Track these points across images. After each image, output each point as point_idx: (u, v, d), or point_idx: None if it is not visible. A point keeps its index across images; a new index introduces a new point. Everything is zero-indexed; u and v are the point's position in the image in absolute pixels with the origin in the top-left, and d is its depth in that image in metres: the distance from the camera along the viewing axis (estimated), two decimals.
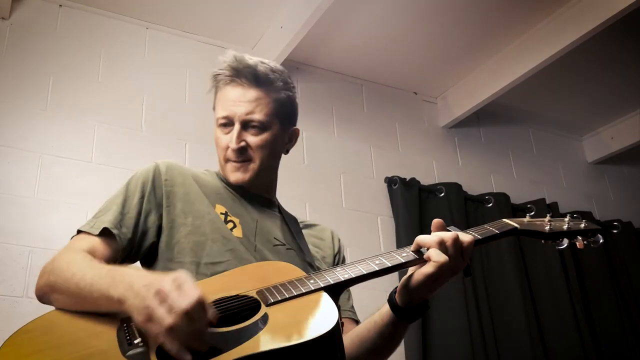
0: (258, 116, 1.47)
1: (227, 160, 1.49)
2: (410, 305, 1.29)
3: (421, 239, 1.27)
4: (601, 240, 1.39)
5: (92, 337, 1.11)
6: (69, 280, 1.20)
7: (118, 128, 2.92)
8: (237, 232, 1.42)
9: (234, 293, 1.19)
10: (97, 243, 1.31)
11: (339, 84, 3.62)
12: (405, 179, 3.43)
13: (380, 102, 3.71)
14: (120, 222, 1.34)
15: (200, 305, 1.02)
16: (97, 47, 3.06)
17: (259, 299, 1.17)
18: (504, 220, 1.41)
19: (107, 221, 1.33)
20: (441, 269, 1.21)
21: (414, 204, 3.36)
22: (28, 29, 2.95)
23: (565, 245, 1.39)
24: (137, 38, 3.19)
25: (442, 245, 1.23)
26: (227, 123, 1.48)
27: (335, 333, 1.07)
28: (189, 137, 3.06)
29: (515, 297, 3.30)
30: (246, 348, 1.03)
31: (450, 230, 1.29)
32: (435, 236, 1.25)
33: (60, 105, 2.86)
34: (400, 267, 1.27)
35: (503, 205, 3.57)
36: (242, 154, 1.48)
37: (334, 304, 1.14)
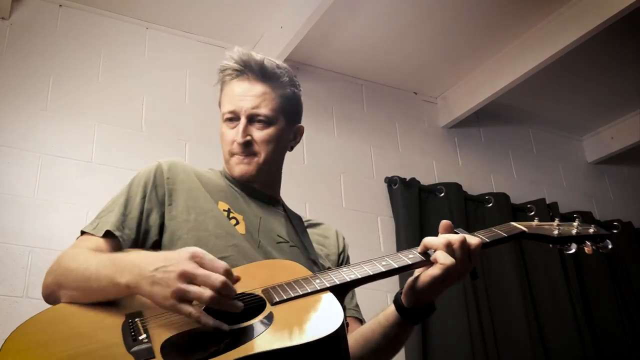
0: (264, 110, 1.48)
1: (232, 154, 1.50)
2: (416, 307, 1.29)
3: (428, 240, 1.27)
4: (610, 246, 1.39)
5: (98, 331, 1.11)
6: (75, 271, 1.21)
7: (118, 128, 2.92)
8: (240, 229, 1.42)
9: (239, 291, 1.19)
10: (100, 244, 1.32)
11: (339, 84, 3.62)
12: (405, 179, 3.43)
13: (380, 102, 3.71)
14: (122, 223, 1.35)
15: (229, 273, 1.10)
16: (97, 47, 3.06)
17: (264, 297, 1.17)
18: (512, 223, 1.40)
19: (109, 223, 1.34)
20: (448, 271, 1.21)
21: (414, 204, 3.36)
22: (28, 29, 2.95)
23: (574, 250, 1.38)
24: (137, 38, 3.19)
25: (449, 248, 1.23)
26: (233, 118, 1.49)
27: (341, 334, 1.07)
28: (189, 137, 3.06)
29: (515, 297, 3.30)
30: (251, 346, 1.03)
31: (457, 233, 1.29)
32: (442, 238, 1.25)
33: (60, 105, 2.86)
34: (407, 269, 1.27)
35: (503, 205, 3.57)
36: (248, 148, 1.48)
37: (339, 304, 1.14)
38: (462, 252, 1.24)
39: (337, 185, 3.34)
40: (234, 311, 1.10)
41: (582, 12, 3.06)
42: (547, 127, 4.21)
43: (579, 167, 4.24)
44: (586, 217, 3.81)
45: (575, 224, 1.41)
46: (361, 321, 1.52)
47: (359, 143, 3.52)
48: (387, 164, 3.53)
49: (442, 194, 3.46)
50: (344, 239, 1.64)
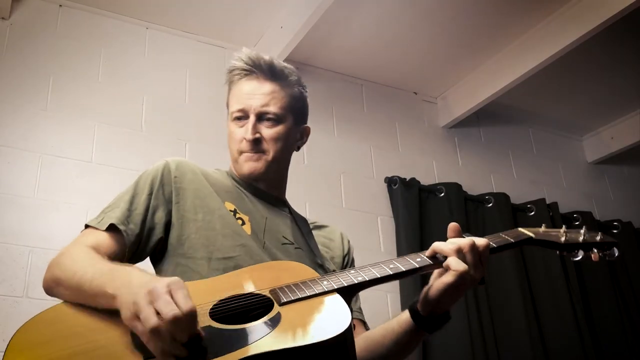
0: (273, 109, 1.49)
1: (240, 152, 1.50)
2: (432, 315, 1.30)
3: (438, 246, 1.27)
4: (616, 254, 1.39)
5: (103, 329, 1.11)
6: (72, 275, 1.21)
7: (118, 128, 2.92)
8: (246, 229, 1.42)
9: (247, 291, 1.19)
10: (103, 238, 1.32)
11: (339, 84, 3.62)
12: (405, 179, 3.43)
13: (380, 102, 3.71)
14: (127, 218, 1.35)
15: (189, 316, 0.99)
16: (97, 47, 3.06)
17: (272, 297, 1.17)
18: (519, 229, 1.41)
19: (114, 217, 1.33)
20: (461, 277, 1.22)
21: (414, 204, 3.36)
22: (28, 29, 2.95)
23: (581, 257, 1.39)
24: (137, 38, 3.19)
25: (460, 254, 1.24)
26: (242, 116, 1.50)
27: (348, 335, 1.08)
28: (189, 137, 3.06)
29: (515, 297, 3.30)
30: (259, 346, 1.04)
31: (464, 237, 1.29)
32: (452, 244, 1.25)
33: (60, 105, 2.85)
34: (414, 272, 1.27)
35: (503, 205, 3.57)
36: (257, 145, 1.49)
37: (347, 306, 1.14)
38: (473, 257, 1.24)
39: (337, 185, 3.34)
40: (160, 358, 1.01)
41: (582, 12, 3.06)
42: (547, 127, 4.21)
43: (579, 167, 4.24)
44: (586, 217, 3.81)
45: (582, 231, 1.42)
46: (365, 323, 1.53)
47: (359, 143, 3.52)
48: (387, 164, 3.53)
49: (442, 194, 3.46)
50: (349, 241, 1.64)
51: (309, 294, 1.16)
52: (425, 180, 3.52)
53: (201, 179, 1.46)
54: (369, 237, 3.28)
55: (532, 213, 3.67)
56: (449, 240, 1.27)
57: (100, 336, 1.10)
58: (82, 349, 1.06)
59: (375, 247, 3.26)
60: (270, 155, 1.50)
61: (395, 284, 3.09)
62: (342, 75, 3.64)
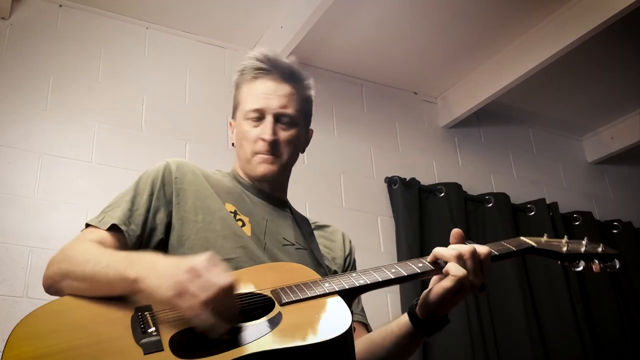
0: (290, 111, 1.49)
1: (255, 153, 1.49)
2: (430, 319, 1.30)
3: (439, 251, 1.27)
4: (617, 266, 1.40)
5: (105, 323, 1.12)
6: (83, 264, 1.20)
7: (118, 128, 2.92)
8: (247, 230, 1.42)
9: (248, 291, 1.19)
10: (105, 237, 1.32)
11: (339, 84, 3.62)
12: (405, 179, 3.43)
13: (380, 102, 3.71)
14: (129, 218, 1.34)
15: (233, 287, 1.07)
16: (97, 47, 3.06)
17: (273, 298, 1.17)
18: (521, 238, 1.42)
19: (116, 217, 1.33)
20: (460, 283, 1.22)
21: (414, 204, 3.36)
22: (28, 29, 2.95)
23: (582, 267, 1.40)
24: (137, 38, 3.19)
25: (460, 260, 1.24)
26: (258, 116, 1.49)
27: (348, 336, 1.08)
28: (189, 137, 3.06)
29: (515, 297, 3.31)
30: (259, 344, 1.04)
31: (466, 243, 1.29)
32: (453, 250, 1.26)
33: (60, 105, 2.86)
34: (416, 277, 1.28)
35: (503, 205, 3.57)
36: (273, 148, 1.48)
37: (347, 307, 1.15)
38: (473, 263, 1.25)
39: (337, 185, 3.34)
40: (212, 334, 1.06)
41: (582, 12, 3.06)
42: (547, 127, 4.21)
43: (579, 167, 4.24)
44: (586, 217, 3.82)
45: (584, 242, 1.42)
46: (366, 326, 1.52)
47: (359, 143, 3.52)
48: (387, 164, 3.53)
49: (442, 194, 3.46)
50: (350, 242, 1.64)
51: (310, 295, 1.17)
52: (425, 180, 3.52)
53: (202, 180, 1.46)
54: (369, 237, 3.28)
55: (532, 213, 3.67)
56: (450, 246, 1.28)
57: (103, 330, 1.10)
58: (84, 342, 1.07)
59: (375, 247, 3.26)
60: (284, 159, 1.50)
61: (394, 288, 3.09)
62: (342, 75, 3.64)
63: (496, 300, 3.30)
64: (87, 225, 1.36)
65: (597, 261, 1.40)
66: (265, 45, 3.32)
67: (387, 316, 2.98)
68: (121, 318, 1.12)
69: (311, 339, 1.05)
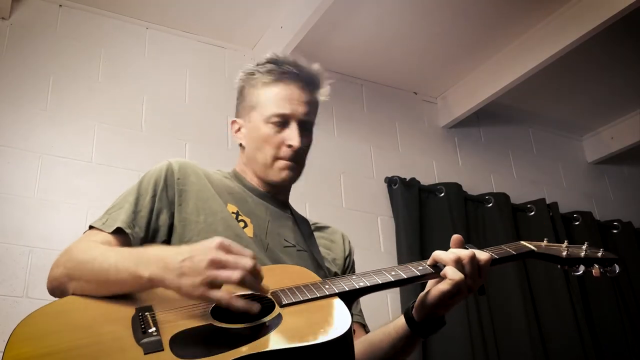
0: (312, 118, 1.51)
1: (278, 158, 1.48)
2: (426, 321, 1.31)
3: (438, 255, 1.28)
4: (617, 270, 1.41)
5: (106, 323, 1.12)
6: (91, 263, 1.20)
7: (118, 128, 2.92)
8: (249, 232, 1.42)
9: (248, 292, 1.19)
10: (109, 240, 1.31)
11: (339, 84, 3.62)
12: (405, 179, 3.43)
13: (380, 102, 3.71)
14: (133, 221, 1.34)
15: (255, 261, 1.11)
16: (97, 47, 3.06)
17: (273, 299, 1.18)
18: (522, 242, 1.42)
19: (120, 220, 1.33)
20: (457, 286, 1.23)
21: (414, 204, 3.36)
22: (28, 29, 2.95)
23: (581, 272, 1.41)
24: (137, 38, 3.19)
25: (458, 264, 1.25)
26: (283, 121, 1.48)
27: (348, 338, 1.08)
28: (189, 137, 3.06)
29: (515, 297, 3.31)
30: (259, 345, 1.05)
31: (467, 248, 1.30)
32: (452, 254, 1.26)
33: (60, 105, 2.86)
34: (416, 280, 1.29)
35: (503, 205, 3.57)
36: (298, 155, 1.48)
37: (347, 309, 1.15)
38: (471, 268, 1.25)
39: (337, 185, 3.34)
40: (261, 293, 1.13)
41: (582, 12, 3.06)
42: (547, 127, 4.21)
43: (579, 167, 4.24)
44: (586, 217, 3.81)
45: (584, 246, 1.43)
46: (365, 327, 1.53)
47: (359, 143, 3.52)
48: (387, 164, 3.53)
49: (442, 194, 3.46)
50: (349, 242, 1.64)
51: (310, 297, 1.17)
52: (425, 180, 3.52)
53: (204, 181, 1.45)
54: (369, 237, 3.28)
55: (532, 213, 3.67)
56: (450, 250, 1.29)
57: (103, 330, 1.10)
58: (85, 342, 1.07)
59: (375, 247, 3.26)
60: (302, 166, 1.51)
61: (395, 290, 3.08)
62: (342, 75, 3.64)
63: (496, 300, 3.30)
64: (91, 227, 1.36)
65: (597, 266, 1.41)
66: (265, 45, 3.32)
67: (387, 316, 2.98)
68: (121, 318, 1.12)
69: (311, 340, 1.05)
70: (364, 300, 1.58)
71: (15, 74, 2.83)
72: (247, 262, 1.10)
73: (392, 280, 1.26)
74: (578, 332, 3.33)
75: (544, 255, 1.41)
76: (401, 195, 3.35)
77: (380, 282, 1.25)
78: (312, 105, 1.51)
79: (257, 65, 1.54)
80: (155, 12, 3.19)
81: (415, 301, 1.33)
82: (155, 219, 1.38)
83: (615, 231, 3.91)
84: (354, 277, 1.26)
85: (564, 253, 1.41)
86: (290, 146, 1.46)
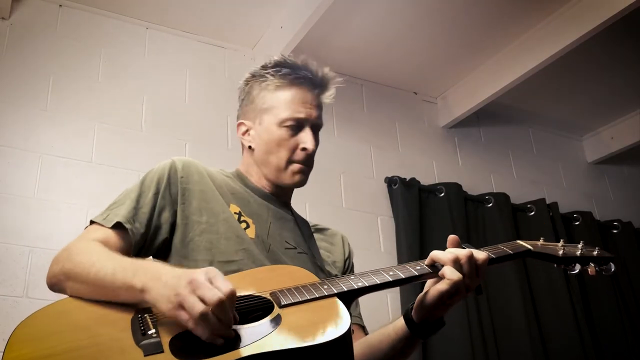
0: (322, 121, 1.53)
1: (292, 161, 1.49)
2: (425, 322, 1.31)
3: (436, 254, 1.29)
4: (612, 269, 1.42)
5: (105, 324, 1.12)
6: (88, 268, 1.20)
7: (118, 128, 2.92)
8: (250, 233, 1.42)
9: (247, 293, 1.19)
10: (110, 235, 1.31)
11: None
12: (405, 179, 3.43)
13: (380, 102, 3.71)
14: (133, 217, 1.34)
15: (232, 297, 1.06)
16: (97, 47, 3.06)
17: (272, 300, 1.18)
18: (518, 241, 1.43)
19: (120, 215, 1.33)
20: (455, 286, 1.23)
21: (414, 204, 3.36)
22: (28, 29, 2.95)
23: (577, 270, 1.42)
24: (137, 38, 3.19)
25: (456, 263, 1.25)
26: (297, 125, 1.48)
27: (347, 338, 1.09)
28: (189, 137, 3.06)
29: (515, 298, 3.30)
30: (259, 346, 1.05)
31: (464, 248, 1.31)
32: (450, 253, 1.27)
33: (60, 105, 2.86)
34: (414, 280, 1.29)
35: (503, 205, 3.57)
36: (311, 158, 1.50)
37: (346, 310, 1.15)
38: (469, 267, 1.26)
39: (337, 185, 3.34)
40: (213, 342, 1.06)
41: (582, 12, 3.06)
42: (547, 127, 4.21)
43: (579, 167, 4.24)
44: (586, 217, 3.81)
45: (579, 245, 1.44)
46: (363, 328, 1.53)
47: (359, 143, 3.52)
48: (387, 164, 3.53)
49: (442, 194, 3.46)
50: (349, 244, 1.65)
51: (309, 298, 1.18)
52: (425, 180, 3.52)
53: (207, 181, 1.45)
54: (369, 237, 3.28)
55: (532, 213, 3.67)
56: (448, 250, 1.29)
57: (103, 331, 1.10)
58: (85, 343, 1.07)
59: (375, 247, 3.26)
60: (311, 169, 1.53)
61: (394, 291, 3.08)
62: (342, 75, 3.61)
63: (496, 300, 3.30)
64: (92, 222, 1.36)
65: (592, 264, 1.42)
66: (265, 45, 3.32)
67: (387, 316, 2.98)
68: (121, 319, 1.12)
69: (310, 341, 1.05)
70: (364, 300, 1.58)
71: (15, 74, 2.83)
72: (215, 295, 1.04)
73: (390, 280, 1.26)
74: (578, 332, 3.33)
75: (540, 254, 1.42)
76: (401, 195, 3.35)
77: (379, 282, 1.25)
78: (321, 108, 1.53)
79: (267, 67, 1.53)
80: (155, 12, 3.19)
81: (414, 302, 1.33)
82: (157, 216, 1.37)
83: (615, 231, 3.91)
84: (352, 277, 1.26)
85: (560, 252, 1.42)
86: (304, 149, 1.48)
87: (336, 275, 1.52)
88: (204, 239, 1.37)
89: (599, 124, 4.17)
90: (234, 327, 1.10)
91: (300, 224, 1.57)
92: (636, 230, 3.97)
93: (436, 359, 3.03)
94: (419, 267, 1.29)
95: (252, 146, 1.53)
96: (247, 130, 1.55)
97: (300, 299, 1.17)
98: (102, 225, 1.33)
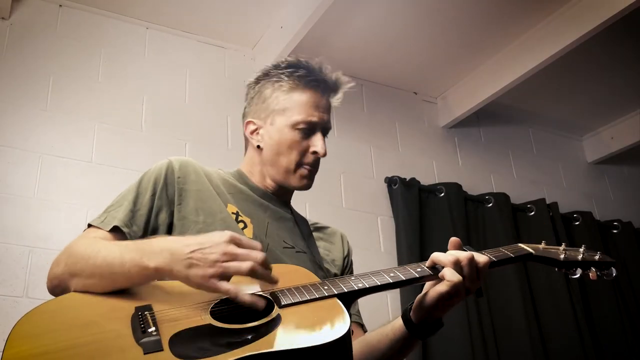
0: (330, 125, 1.54)
1: (301, 164, 1.50)
2: (423, 323, 1.31)
3: (437, 256, 1.29)
4: (614, 274, 1.42)
5: (106, 321, 1.12)
6: (93, 257, 1.20)
7: (118, 128, 2.92)
8: (248, 232, 1.42)
9: (248, 292, 1.19)
10: (107, 238, 1.31)
11: None
12: (405, 179, 3.43)
13: (380, 102, 3.71)
14: (131, 219, 1.34)
15: (265, 253, 1.14)
16: (97, 47, 3.06)
17: (272, 300, 1.18)
18: (520, 244, 1.43)
19: (118, 218, 1.33)
20: (455, 288, 1.23)
21: (414, 204, 3.36)
22: (28, 29, 2.95)
23: (578, 275, 1.42)
24: (137, 38, 3.19)
25: (457, 265, 1.25)
26: (309, 128, 1.49)
27: (347, 339, 1.09)
28: (188, 137, 3.06)
29: (515, 298, 3.31)
30: (258, 346, 1.05)
31: (465, 250, 1.30)
32: (450, 255, 1.27)
33: (60, 105, 2.86)
34: (414, 282, 1.29)
35: (503, 205, 3.57)
36: (318, 161, 1.52)
37: (346, 311, 1.15)
38: (469, 270, 1.26)
39: (337, 185, 3.34)
40: (271, 282, 1.15)
41: (582, 12, 3.06)
42: (547, 127, 4.21)
43: (579, 167, 4.24)
44: (586, 217, 3.81)
45: (581, 249, 1.44)
46: (362, 326, 1.53)
47: (359, 143, 3.52)
48: (387, 164, 3.53)
49: (442, 194, 3.46)
50: (348, 242, 1.65)
51: (309, 298, 1.18)
52: (425, 180, 3.52)
53: (204, 180, 1.45)
54: (369, 237, 3.28)
55: (532, 213, 3.67)
56: (449, 252, 1.29)
57: (102, 328, 1.10)
58: (84, 340, 1.07)
59: (375, 247, 3.26)
60: (317, 171, 1.53)
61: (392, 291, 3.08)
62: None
63: (496, 300, 3.30)
64: (89, 226, 1.36)
65: (594, 269, 1.42)
66: (265, 45, 3.32)
67: (387, 316, 2.98)
68: (121, 317, 1.12)
69: (309, 342, 1.05)
70: (364, 300, 1.58)
71: (15, 74, 2.83)
72: (258, 255, 1.12)
73: (391, 282, 1.26)
74: (578, 332, 3.33)
75: (542, 258, 1.42)
76: (401, 195, 3.35)
77: (379, 284, 1.25)
78: (330, 112, 1.54)
79: (280, 67, 1.53)
80: (155, 12, 3.19)
81: (413, 303, 1.33)
82: (154, 217, 1.37)
83: (615, 231, 3.91)
84: (352, 278, 1.26)
85: (562, 256, 1.41)
86: (315, 153, 1.48)
87: (335, 273, 1.52)
88: None
89: (599, 124, 4.17)
90: (234, 327, 1.10)
91: (300, 223, 1.57)
92: (636, 230, 3.97)
93: (436, 358, 3.03)
94: (419, 269, 1.29)
95: (261, 145, 1.53)
96: (256, 129, 1.54)
97: (301, 299, 1.17)
98: (100, 228, 1.33)
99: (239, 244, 1.14)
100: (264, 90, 1.53)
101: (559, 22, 3.18)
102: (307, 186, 1.51)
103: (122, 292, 1.19)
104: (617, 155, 4.16)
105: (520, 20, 3.26)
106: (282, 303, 1.16)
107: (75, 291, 1.21)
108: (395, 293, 3.11)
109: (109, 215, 1.35)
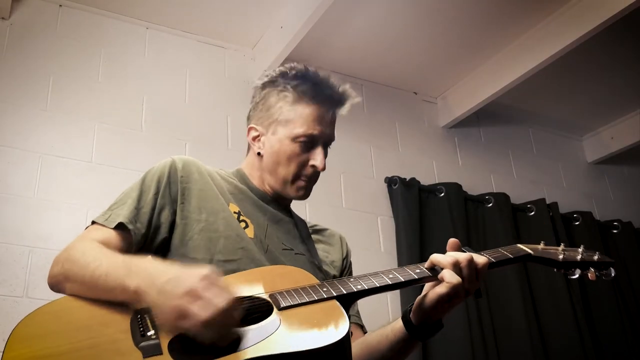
0: (334, 137, 1.53)
1: (299, 176, 1.49)
2: (423, 324, 1.31)
3: (436, 258, 1.28)
4: (613, 274, 1.42)
5: (104, 325, 1.12)
6: (84, 268, 1.20)
7: (118, 128, 2.92)
8: (249, 232, 1.42)
9: (246, 294, 1.19)
10: (111, 235, 1.31)
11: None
12: (405, 179, 3.43)
13: (380, 102, 3.71)
14: (135, 217, 1.34)
15: (234, 303, 1.06)
16: (97, 47, 3.06)
17: (271, 302, 1.18)
18: (519, 245, 1.43)
19: (122, 215, 1.33)
20: (454, 289, 1.23)
21: (414, 204, 3.36)
22: (28, 29, 2.95)
23: (577, 275, 1.42)
24: (137, 38, 3.19)
25: (456, 267, 1.25)
26: (310, 141, 1.48)
27: (345, 342, 1.09)
28: (188, 137, 3.06)
29: (516, 298, 3.31)
30: (257, 349, 1.05)
31: (464, 251, 1.30)
32: (450, 257, 1.26)
33: (60, 105, 2.86)
34: (413, 283, 1.29)
35: (503, 205, 3.57)
36: (317, 174, 1.50)
37: (345, 313, 1.15)
38: (469, 271, 1.26)
39: (337, 185, 3.34)
40: (220, 343, 1.06)
41: (582, 12, 3.06)
42: (547, 127, 4.21)
43: (579, 167, 4.24)
44: (586, 217, 3.81)
45: (580, 249, 1.44)
46: (362, 327, 1.53)
47: (359, 143, 3.52)
48: (387, 164, 3.53)
49: (442, 194, 3.46)
50: (347, 244, 1.65)
51: (308, 300, 1.17)
52: (425, 180, 3.52)
53: (207, 180, 1.45)
54: (369, 237, 3.28)
55: (532, 213, 3.67)
56: (448, 253, 1.29)
57: (102, 332, 1.10)
58: (84, 344, 1.07)
59: (375, 247, 3.26)
60: (315, 184, 1.52)
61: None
62: (342, 75, 3.63)
63: (496, 300, 3.30)
64: (93, 222, 1.36)
65: (592, 269, 1.42)
66: (265, 45, 3.32)
67: (387, 317, 2.98)
68: (120, 320, 1.12)
69: (309, 345, 1.06)
70: (363, 301, 1.58)
71: (15, 74, 2.83)
72: (220, 303, 1.04)
73: (390, 283, 1.26)
74: (578, 332, 3.33)
75: (541, 259, 1.42)
76: (401, 195, 3.35)
77: (378, 286, 1.25)
78: (334, 126, 1.53)
79: (287, 76, 1.52)
80: (155, 12, 3.19)
81: (412, 304, 1.33)
82: (157, 216, 1.37)
83: (615, 231, 3.91)
84: (352, 279, 1.26)
85: (561, 256, 1.41)
86: (314, 167, 1.48)
87: (334, 275, 1.52)
88: (203, 237, 1.36)
89: (599, 124, 4.17)
90: (233, 329, 1.10)
91: (299, 225, 1.57)
92: (636, 230, 3.97)
93: (436, 359, 3.03)
94: (418, 270, 1.29)
95: (262, 153, 1.52)
96: (258, 136, 1.54)
97: (300, 302, 1.17)
98: (104, 226, 1.33)
99: (212, 284, 1.07)
100: (269, 98, 1.53)
101: (559, 22, 3.18)
102: (303, 196, 1.51)
103: None
104: (617, 155, 4.16)
105: (520, 20, 3.26)
106: (282, 305, 1.16)
107: (70, 295, 1.21)
108: (395, 294, 3.11)
109: (113, 212, 1.35)
